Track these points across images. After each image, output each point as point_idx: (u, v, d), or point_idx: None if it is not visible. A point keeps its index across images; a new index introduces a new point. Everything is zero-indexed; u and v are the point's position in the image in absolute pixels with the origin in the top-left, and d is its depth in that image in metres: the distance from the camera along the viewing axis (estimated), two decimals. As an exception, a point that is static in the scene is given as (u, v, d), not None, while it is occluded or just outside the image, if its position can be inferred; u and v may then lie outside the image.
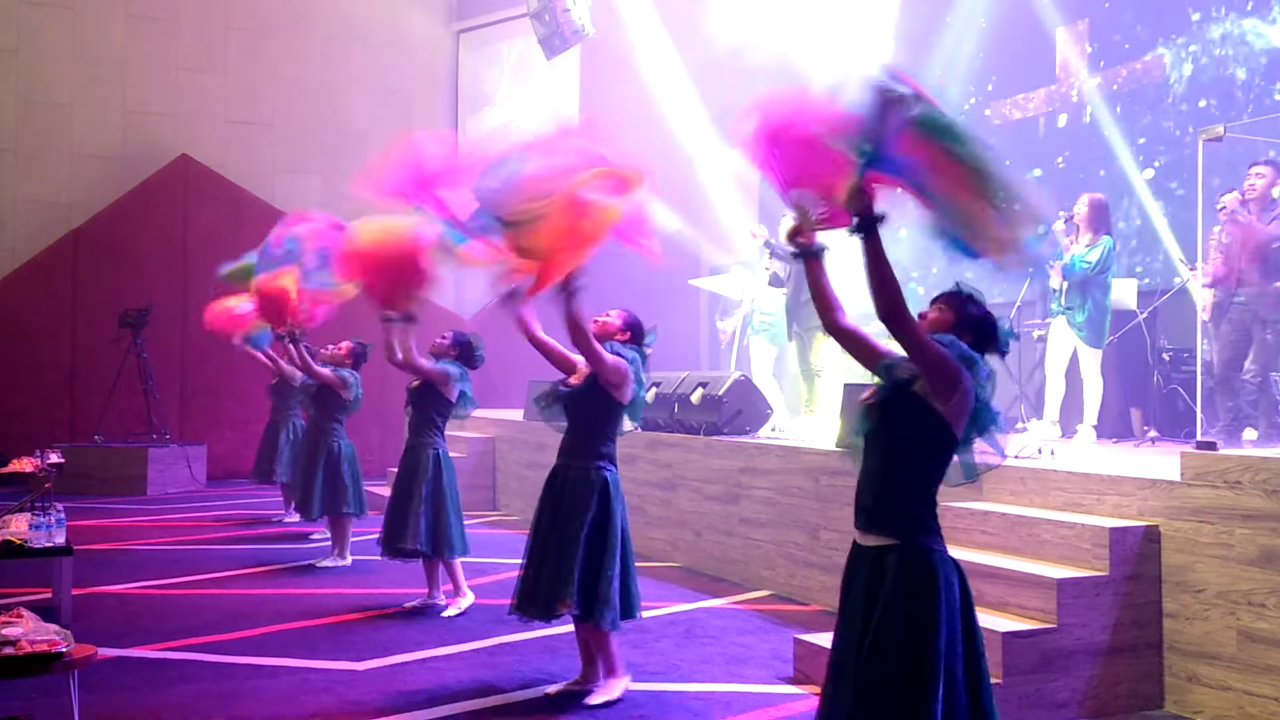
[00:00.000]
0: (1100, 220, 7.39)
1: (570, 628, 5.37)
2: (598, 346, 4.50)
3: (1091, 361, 7.41)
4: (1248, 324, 6.73)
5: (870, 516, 3.04)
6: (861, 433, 3.09)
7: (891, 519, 3.00)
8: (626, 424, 4.81)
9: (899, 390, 3.01)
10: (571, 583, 4.45)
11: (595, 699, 4.61)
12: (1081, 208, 7.40)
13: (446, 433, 6.54)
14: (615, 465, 4.70)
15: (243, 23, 14.23)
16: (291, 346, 7.50)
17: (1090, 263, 7.27)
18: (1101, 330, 7.36)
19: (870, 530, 3.04)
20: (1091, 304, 7.31)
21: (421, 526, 6.15)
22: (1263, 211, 6.76)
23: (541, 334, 4.77)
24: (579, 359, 4.69)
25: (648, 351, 4.83)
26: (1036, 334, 8.22)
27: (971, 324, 3.11)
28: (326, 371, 7.68)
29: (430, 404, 6.35)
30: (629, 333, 4.77)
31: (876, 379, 3.13)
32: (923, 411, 2.97)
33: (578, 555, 4.48)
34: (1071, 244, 7.43)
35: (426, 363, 6.22)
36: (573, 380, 4.72)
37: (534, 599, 4.60)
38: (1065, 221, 7.44)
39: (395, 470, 9.65)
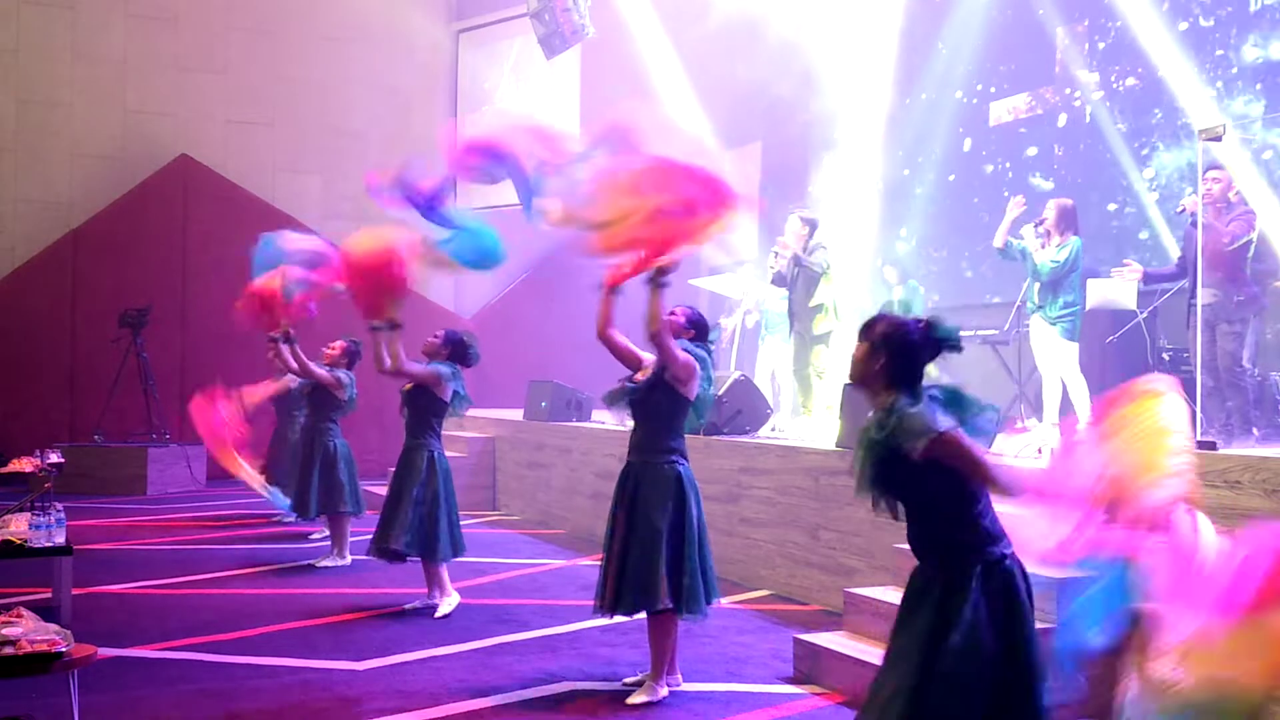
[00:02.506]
0: (1068, 223, 7.48)
1: (572, 626, 5.38)
2: (671, 341, 4.57)
3: (1070, 357, 7.44)
4: (1212, 324, 6.82)
5: (921, 548, 3.02)
6: (865, 491, 3.02)
7: (945, 548, 2.96)
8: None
9: (895, 465, 2.91)
10: (661, 578, 4.51)
11: (635, 698, 4.63)
12: (1050, 213, 7.50)
13: (446, 432, 6.52)
14: (686, 459, 4.75)
15: (243, 23, 14.23)
16: (285, 347, 7.48)
17: (1058, 261, 7.35)
18: (1075, 325, 7.42)
19: (924, 559, 3.02)
20: (1064, 300, 7.38)
21: (410, 528, 6.14)
22: (1220, 214, 6.84)
23: (613, 331, 4.77)
24: (646, 356, 4.75)
25: (713, 347, 4.90)
26: (1035, 334, 8.22)
27: (895, 349, 2.96)
28: (322, 371, 7.69)
29: (424, 406, 6.32)
30: (694, 330, 4.83)
31: (858, 458, 3.01)
32: (928, 472, 2.88)
33: (662, 550, 4.54)
34: (1043, 247, 7.49)
35: (415, 366, 6.21)
36: (638, 377, 4.76)
37: (619, 596, 4.62)
38: (1035, 227, 7.51)
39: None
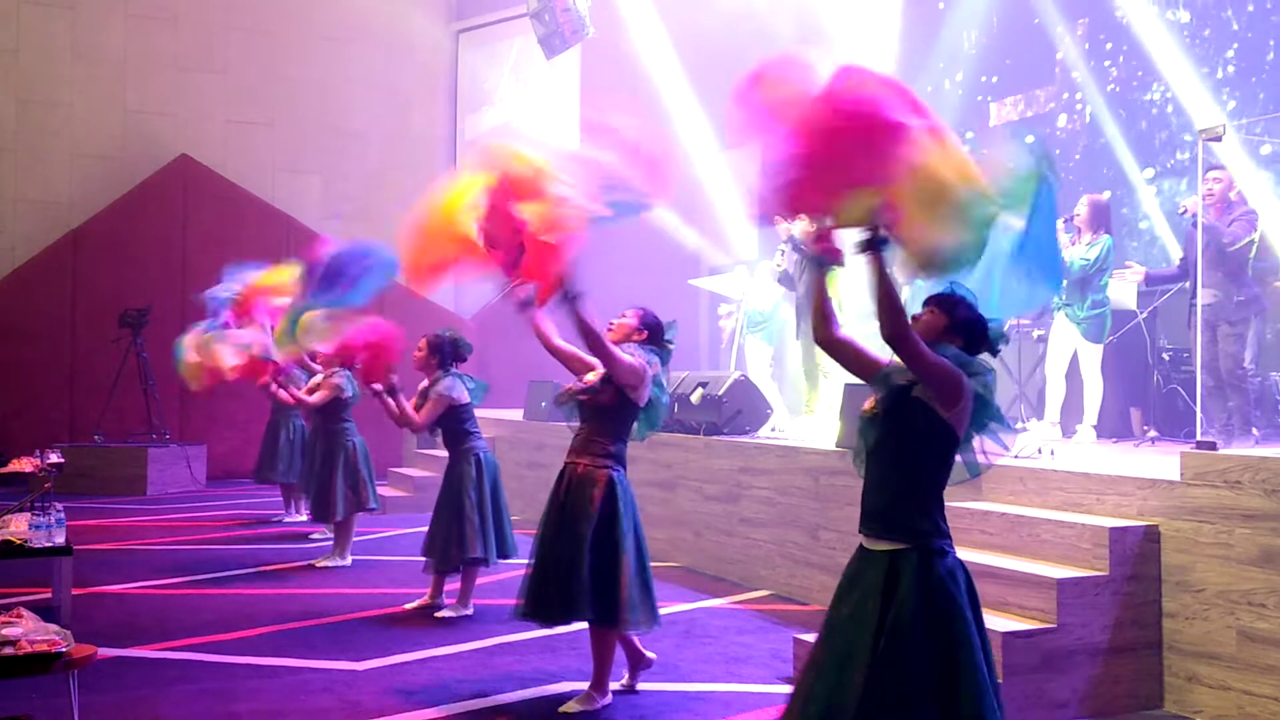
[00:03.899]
0: (1100, 220, 7.45)
1: (572, 626, 5.37)
2: (612, 349, 4.44)
3: (1092, 358, 7.43)
4: (1214, 324, 6.82)
5: (881, 523, 3.04)
6: (868, 445, 3.09)
7: (904, 525, 3.00)
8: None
9: (900, 397, 3.01)
10: (585, 587, 4.39)
11: (570, 707, 4.54)
12: (1081, 209, 7.46)
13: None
14: (624, 465, 4.63)
15: (243, 22, 14.23)
16: (279, 391, 7.96)
17: (1089, 259, 7.32)
18: (1102, 326, 7.40)
19: (881, 537, 3.03)
20: (1092, 300, 7.37)
21: (480, 535, 6.11)
22: (1222, 214, 6.84)
23: (558, 341, 4.70)
24: (596, 360, 4.64)
25: (670, 347, 4.79)
26: (1036, 334, 8.22)
27: (963, 327, 3.12)
28: (320, 395, 7.74)
29: (450, 419, 6.26)
30: (646, 332, 4.71)
31: (876, 388, 3.13)
32: (926, 417, 2.98)
33: (585, 558, 4.42)
34: (1073, 243, 7.48)
35: (425, 414, 6.15)
36: (588, 379, 4.65)
37: (545, 603, 4.52)
38: (1065, 223, 7.49)
39: (395, 470, 9.57)
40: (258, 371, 8.02)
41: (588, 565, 4.41)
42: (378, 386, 6.02)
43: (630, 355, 4.52)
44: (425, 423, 6.19)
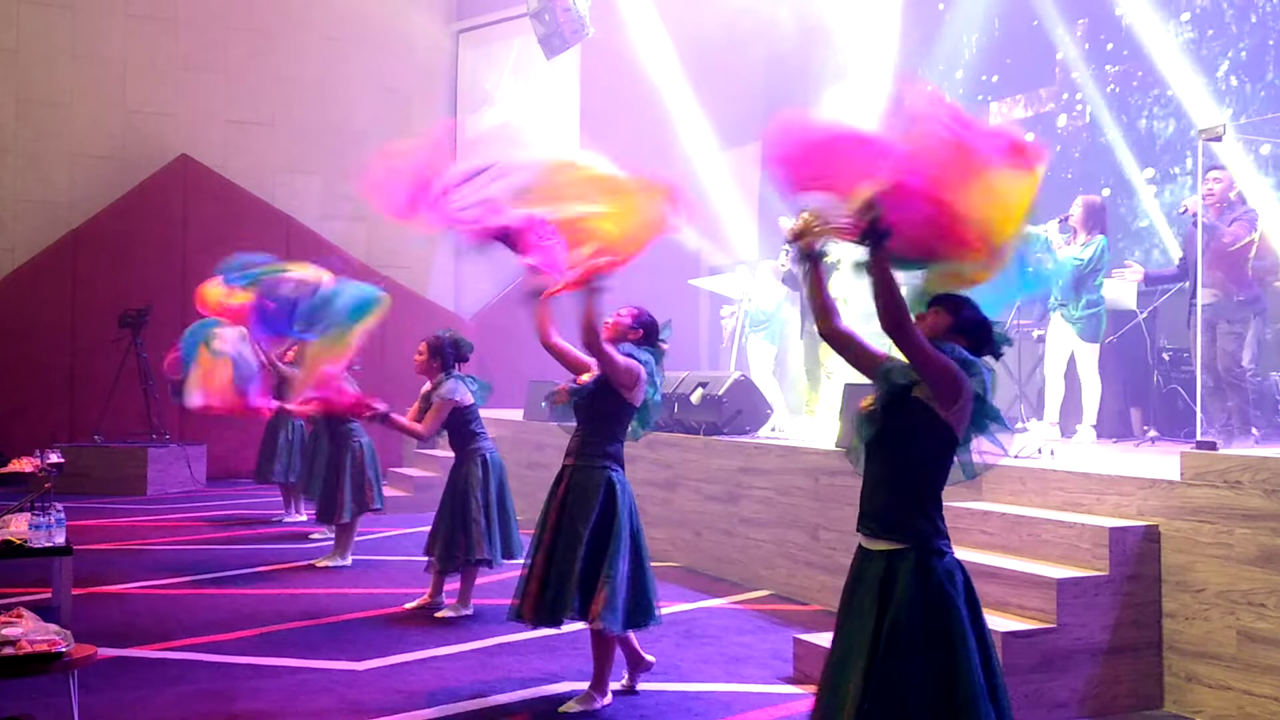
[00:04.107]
0: (1095, 220, 7.45)
1: (572, 627, 5.38)
2: (609, 348, 4.45)
3: (1089, 358, 7.43)
4: (1212, 324, 6.82)
5: (879, 523, 3.04)
6: (864, 439, 3.09)
7: (902, 525, 3.00)
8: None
9: (899, 395, 3.01)
10: (574, 586, 4.40)
11: (570, 707, 4.54)
12: (1076, 209, 7.47)
13: (441, 437, 6.49)
14: (621, 466, 4.64)
15: (243, 23, 14.22)
16: (282, 407, 7.91)
17: (1082, 259, 7.32)
18: (1098, 326, 7.40)
19: (879, 536, 3.03)
20: (1086, 300, 7.37)
21: (487, 537, 6.10)
22: (1222, 214, 6.84)
23: (556, 338, 4.71)
24: (591, 360, 4.65)
25: (664, 347, 4.78)
26: (1035, 334, 8.22)
27: (968, 327, 3.12)
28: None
29: (456, 421, 6.26)
30: (641, 331, 4.71)
31: (876, 384, 3.13)
32: (925, 416, 2.97)
33: (580, 557, 4.42)
34: (1068, 244, 7.48)
35: (428, 424, 6.13)
36: (582, 379, 4.66)
37: (540, 605, 4.52)
38: (1060, 223, 7.49)
39: (395, 470, 9.53)
40: (248, 410, 7.81)
41: (581, 564, 4.42)
42: (379, 409, 5.96)
43: (625, 355, 4.53)
44: (431, 431, 6.17)
